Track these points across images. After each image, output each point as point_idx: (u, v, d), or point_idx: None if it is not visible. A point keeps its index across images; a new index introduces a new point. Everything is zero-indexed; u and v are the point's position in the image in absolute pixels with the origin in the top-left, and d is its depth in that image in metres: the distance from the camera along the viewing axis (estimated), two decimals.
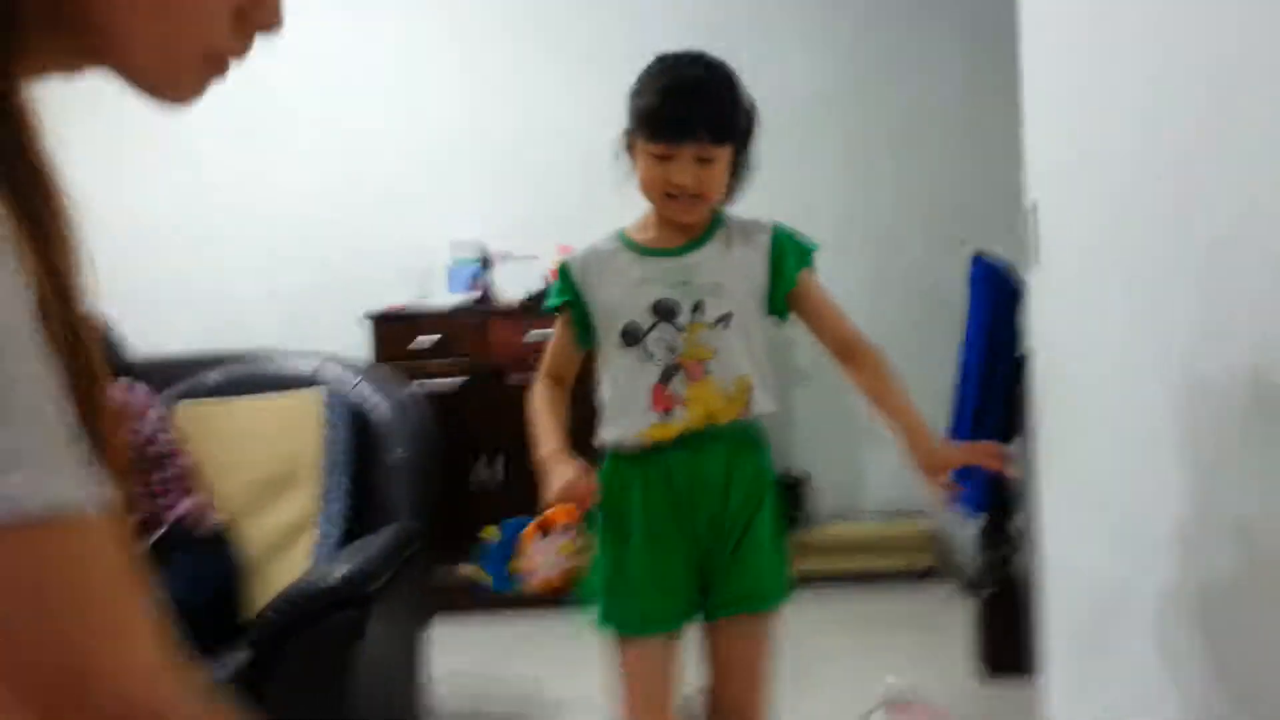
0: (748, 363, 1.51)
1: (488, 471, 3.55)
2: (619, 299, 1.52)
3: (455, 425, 3.37)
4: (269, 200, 4.05)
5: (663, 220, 1.55)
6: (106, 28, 0.53)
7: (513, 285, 3.73)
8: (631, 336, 1.50)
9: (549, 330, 3.48)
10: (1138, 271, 1.54)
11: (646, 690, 1.51)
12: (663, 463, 1.50)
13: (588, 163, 3.92)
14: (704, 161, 1.45)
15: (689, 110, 1.45)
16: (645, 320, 1.49)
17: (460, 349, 3.59)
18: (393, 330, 3.60)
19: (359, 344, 3.51)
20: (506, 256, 3.80)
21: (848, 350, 1.58)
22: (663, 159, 1.46)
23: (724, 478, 1.51)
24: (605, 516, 1.53)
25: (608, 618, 1.53)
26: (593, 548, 1.48)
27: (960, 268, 2.93)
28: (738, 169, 1.54)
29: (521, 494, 3.55)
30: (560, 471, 1.45)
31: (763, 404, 1.53)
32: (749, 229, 1.57)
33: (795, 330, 4.25)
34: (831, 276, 4.38)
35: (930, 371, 3.63)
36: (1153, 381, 1.48)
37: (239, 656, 1.85)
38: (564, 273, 1.58)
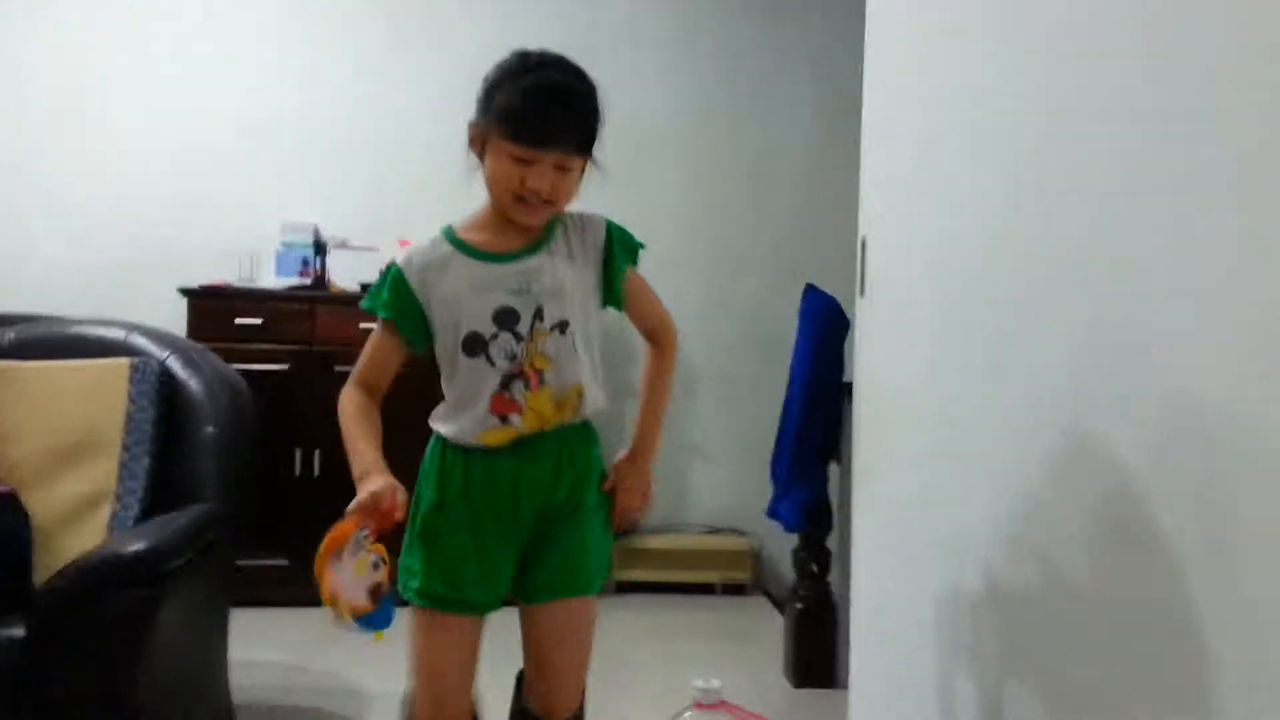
0: (583, 370, 1.51)
1: (305, 463, 3.41)
2: (459, 307, 1.48)
3: (277, 414, 3.23)
4: (88, 165, 3.78)
5: (500, 220, 1.51)
6: None
7: (347, 274, 3.60)
8: (473, 346, 1.47)
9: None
10: (950, 307, 1.64)
11: (440, 669, 1.49)
12: (491, 463, 1.49)
13: (432, 157, 3.90)
14: (562, 170, 1.44)
15: (557, 118, 1.42)
16: (487, 329, 1.47)
17: (285, 335, 3.44)
18: (211, 307, 3.42)
19: (173, 322, 3.29)
20: (342, 244, 3.67)
21: (656, 329, 1.65)
22: (521, 161, 1.42)
23: (551, 475, 1.51)
24: (427, 497, 1.51)
25: (415, 592, 1.50)
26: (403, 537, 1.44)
27: (796, 300, 3.04)
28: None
29: (337, 489, 3.46)
30: (370, 483, 1.41)
31: (594, 403, 1.54)
32: (582, 224, 1.56)
33: (630, 345, 4.32)
34: (673, 295, 4.47)
35: (759, 396, 3.78)
36: (960, 409, 1.58)
37: (14, 631, 1.69)
38: (398, 279, 1.50)
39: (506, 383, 1.47)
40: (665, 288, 4.27)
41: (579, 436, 1.55)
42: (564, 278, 1.50)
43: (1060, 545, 1.28)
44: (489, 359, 1.46)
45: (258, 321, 3.41)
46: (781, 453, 2.90)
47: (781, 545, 3.72)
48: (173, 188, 3.80)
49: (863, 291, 2.01)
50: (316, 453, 3.41)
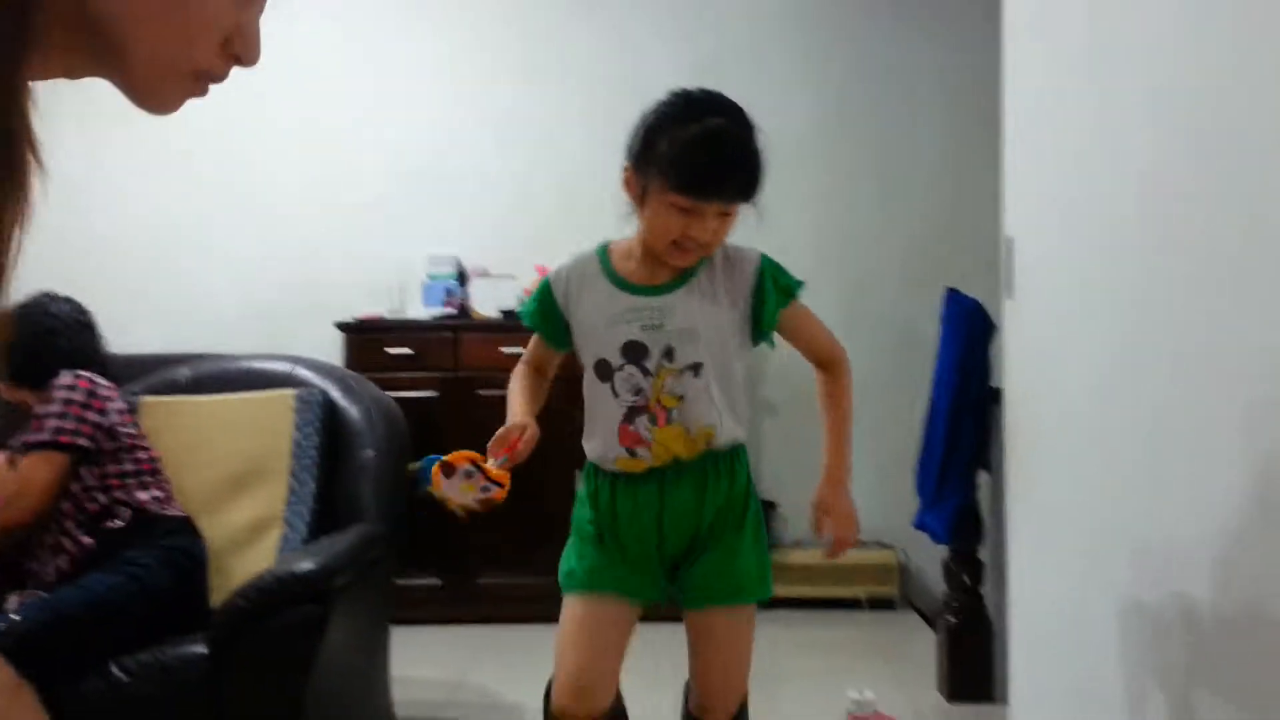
0: (716, 411, 1.51)
1: None
2: (593, 331, 1.51)
3: (427, 438, 3.35)
4: (246, 209, 4.03)
5: (651, 255, 1.51)
6: (114, 36, 0.62)
7: (488, 302, 3.72)
8: (602, 371, 1.51)
9: (521, 349, 3.54)
10: (1110, 307, 1.57)
11: (583, 643, 1.52)
12: (633, 490, 1.52)
13: (567, 185, 4.01)
14: (723, 216, 1.44)
15: (724, 170, 1.41)
16: (615, 359, 1.49)
17: (433, 362, 3.58)
18: (364, 341, 3.58)
19: (331, 354, 3.48)
20: (483, 273, 3.80)
21: (823, 359, 1.63)
22: (685, 211, 1.41)
23: (695, 503, 1.52)
24: (582, 514, 1.57)
25: (568, 577, 1.56)
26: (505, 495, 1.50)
27: (934, 309, 2.97)
28: None
29: (483, 514, 3.57)
30: (510, 420, 1.50)
31: (729, 439, 1.54)
32: (734, 259, 1.54)
33: (763, 364, 4.30)
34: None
35: (901, 411, 3.69)
36: (1120, 416, 1.51)
37: (199, 647, 1.81)
38: (546, 291, 1.57)
39: (631, 416, 1.49)
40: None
41: (724, 462, 1.55)
42: (698, 319, 1.49)
43: (1253, 555, 1.20)
44: (613, 389, 1.49)
45: (408, 351, 3.56)
46: (928, 462, 2.83)
47: (930, 558, 3.62)
48: (326, 230, 4.01)
49: (1010, 293, 1.95)
50: None
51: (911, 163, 4.04)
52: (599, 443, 1.53)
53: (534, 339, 1.65)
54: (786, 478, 3.93)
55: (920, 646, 3.20)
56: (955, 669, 2.78)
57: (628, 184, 1.50)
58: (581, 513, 1.58)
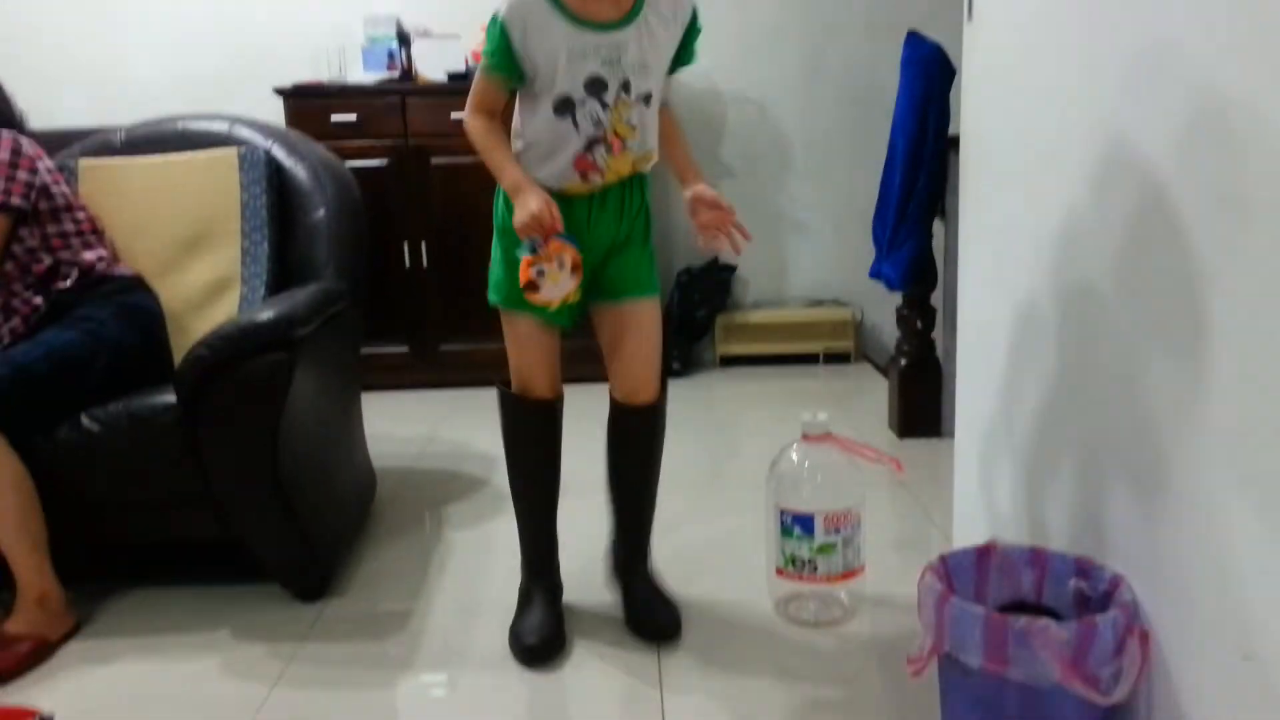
0: (653, 136, 1.66)
1: (414, 255, 3.50)
2: (554, 68, 1.56)
3: (380, 209, 3.30)
4: None
5: None
6: None
7: (433, 64, 3.56)
8: (563, 107, 1.58)
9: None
10: (1073, 36, 1.52)
11: (539, 364, 1.74)
12: (567, 206, 1.64)
13: None
14: None
15: None
16: (577, 94, 1.57)
17: (379, 129, 3.46)
18: (305, 108, 3.44)
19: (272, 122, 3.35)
20: (425, 33, 3.61)
21: (667, 96, 1.73)
22: None
23: (616, 217, 1.70)
24: (505, 233, 1.70)
25: (501, 295, 1.73)
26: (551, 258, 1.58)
27: (894, 60, 2.89)
28: None
29: (448, 277, 3.57)
30: (525, 201, 1.57)
31: (655, 160, 1.71)
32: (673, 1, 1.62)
33: (724, 129, 4.23)
34: (765, 62, 4.34)
35: (863, 167, 3.67)
36: (1079, 159, 1.49)
37: (168, 398, 1.84)
38: (502, 32, 1.56)
39: (590, 146, 1.60)
40: (759, 55, 4.16)
41: (638, 183, 1.72)
42: (648, 52, 1.59)
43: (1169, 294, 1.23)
44: (575, 122, 1.59)
45: (351, 118, 3.44)
46: (884, 212, 2.85)
47: (884, 313, 3.72)
48: None
49: (970, 15, 1.89)
50: (423, 244, 3.49)
51: None
52: (552, 170, 1.63)
53: (481, 83, 1.63)
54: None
55: (874, 394, 3.34)
56: (905, 408, 2.91)
57: None
58: (501, 233, 1.71)
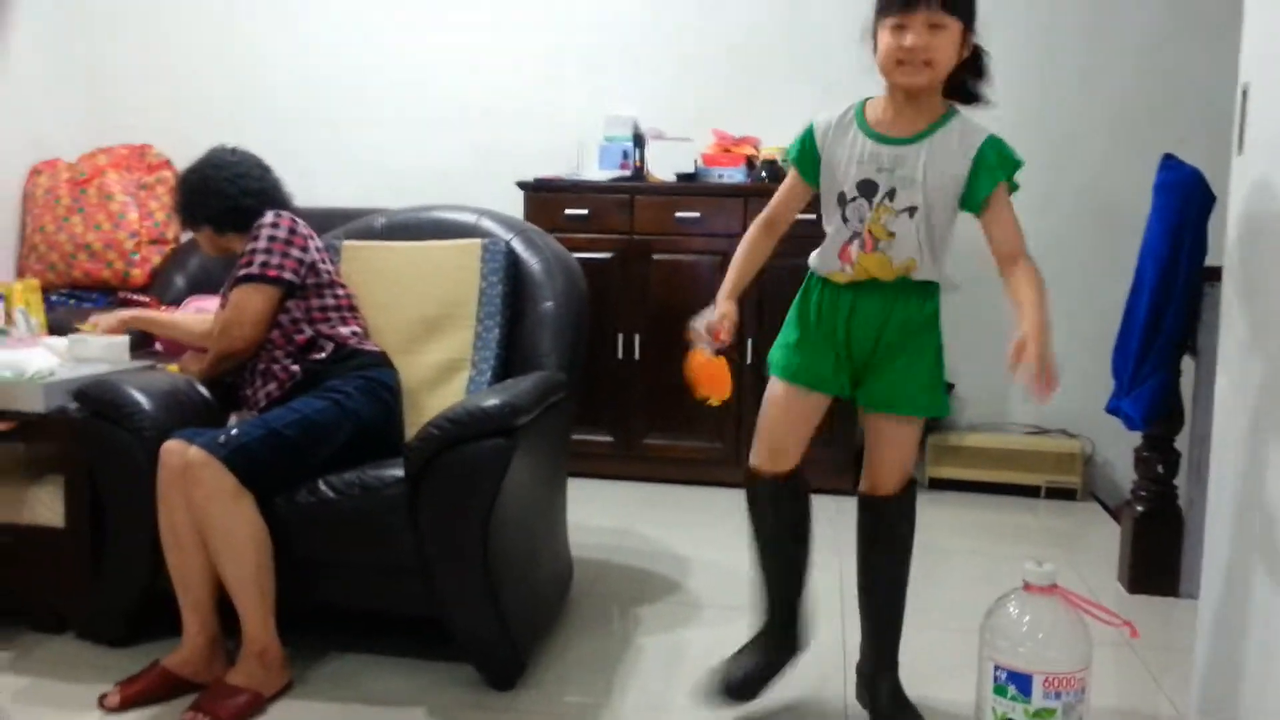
0: (919, 249, 1.75)
1: (627, 347, 3.59)
2: (839, 167, 1.77)
3: (600, 300, 3.41)
4: (426, 73, 4.11)
5: (898, 104, 1.73)
6: None
7: (663, 164, 3.69)
8: (839, 201, 1.78)
9: (695, 213, 3.50)
10: None
11: (777, 418, 1.87)
12: (836, 291, 1.82)
13: (739, 47, 3.87)
14: (934, 28, 1.63)
15: None
16: (850, 192, 1.76)
17: (608, 224, 3.60)
18: (543, 200, 3.63)
19: (511, 213, 3.56)
20: (659, 135, 3.76)
21: (1010, 259, 1.74)
22: (897, 29, 1.64)
23: (880, 313, 1.79)
24: (796, 308, 1.87)
25: (773, 363, 1.89)
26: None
27: (1144, 178, 2.73)
28: (973, 60, 1.74)
29: (656, 370, 3.62)
30: (717, 307, 1.79)
31: (926, 274, 1.79)
32: (966, 129, 1.73)
33: (945, 237, 4.10)
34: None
35: (1100, 293, 3.47)
36: None
37: (397, 471, 1.95)
38: (807, 130, 1.81)
39: (851, 239, 1.77)
40: None
41: (915, 288, 1.80)
42: (925, 170, 1.71)
43: None
44: (844, 216, 1.78)
45: (583, 212, 3.59)
46: (1127, 343, 2.66)
47: (1118, 450, 3.45)
48: (505, 92, 4.06)
49: (1240, 149, 1.76)
50: (636, 337, 3.57)
51: (1119, 22, 3.68)
52: (823, 254, 1.82)
53: (784, 184, 1.87)
54: (964, 359, 3.79)
55: (1100, 539, 3.08)
56: (1138, 559, 2.66)
57: (870, 35, 1.72)
58: (794, 307, 1.88)
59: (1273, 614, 1.55)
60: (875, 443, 1.86)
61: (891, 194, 1.72)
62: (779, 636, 1.95)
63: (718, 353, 1.77)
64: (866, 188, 1.74)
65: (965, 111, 1.76)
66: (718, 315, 1.77)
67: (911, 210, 1.72)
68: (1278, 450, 1.59)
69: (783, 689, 1.95)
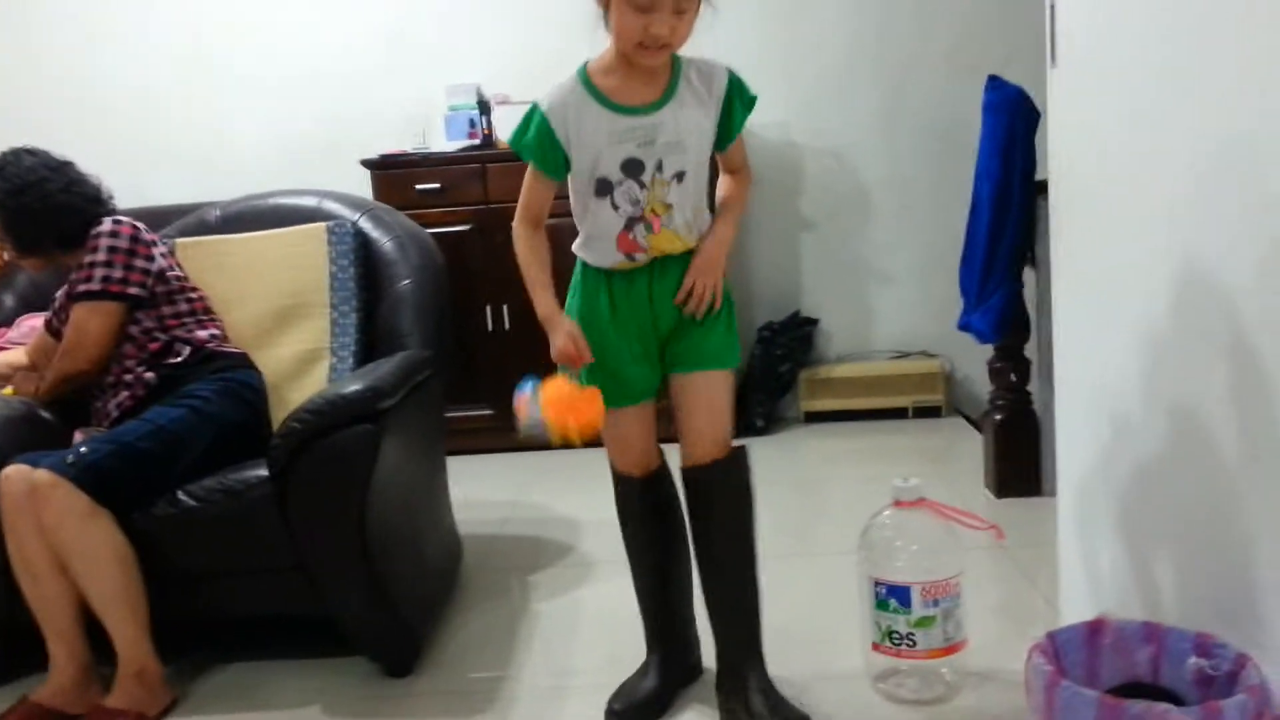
0: (688, 211, 1.66)
1: (496, 318, 3.54)
2: (593, 153, 1.61)
3: (463, 273, 3.35)
4: (262, 55, 3.93)
5: (628, 64, 1.60)
6: None
7: (512, 130, 3.62)
8: (603, 188, 1.63)
9: None
10: (1158, 73, 1.47)
11: (625, 442, 1.78)
12: (627, 281, 1.70)
13: (582, 5, 3.81)
14: (679, 13, 1.52)
15: None
16: (615, 176, 1.61)
17: (462, 195, 3.53)
18: (391, 177, 3.54)
19: (361, 194, 3.44)
20: (505, 100, 3.69)
21: (737, 165, 1.76)
22: (642, 10, 1.51)
23: (677, 285, 1.69)
24: (580, 314, 1.72)
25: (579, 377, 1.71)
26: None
27: (979, 101, 2.83)
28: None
29: (527, 339, 3.59)
30: (554, 337, 1.66)
31: (705, 228, 1.71)
32: (706, 74, 1.65)
33: (802, 180, 4.21)
34: (839, 109, 4.30)
35: (946, 216, 3.60)
36: (1166, 198, 1.43)
37: (261, 471, 1.88)
38: (537, 118, 1.63)
39: (630, 226, 1.64)
40: (832, 103, 4.12)
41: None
42: (682, 132, 1.62)
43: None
44: (613, 203, 1.63)
45: (435, 185, 3.52)
46: (971, 261, 2.77)
47: (975, 363, 3.61)
48: (343, 68, 3.92)
49: (1054, 61, 1.84)
50: (505, 307, 3.53)
51: None
52: (598, 251, 1.69)
53: (529, 182, 1.68)
54: (826, 294, 3.90)
55: (967, 449, 3.23)
56: (1002, 465, 2.81)
57: None
58: (579, 308, 1.73)
59: (1124, 503, 1.66)
60: (689, 406, 1.71)
61: (660, 165, 1.61)
62: (663, 650, 1.84)
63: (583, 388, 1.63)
64: (632, 167, 1.61)
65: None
66: (566, 337, 1.64)
67: (680, 175, 1.63)
68: (1113, 348, 1.69)
69: None
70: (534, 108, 1.63)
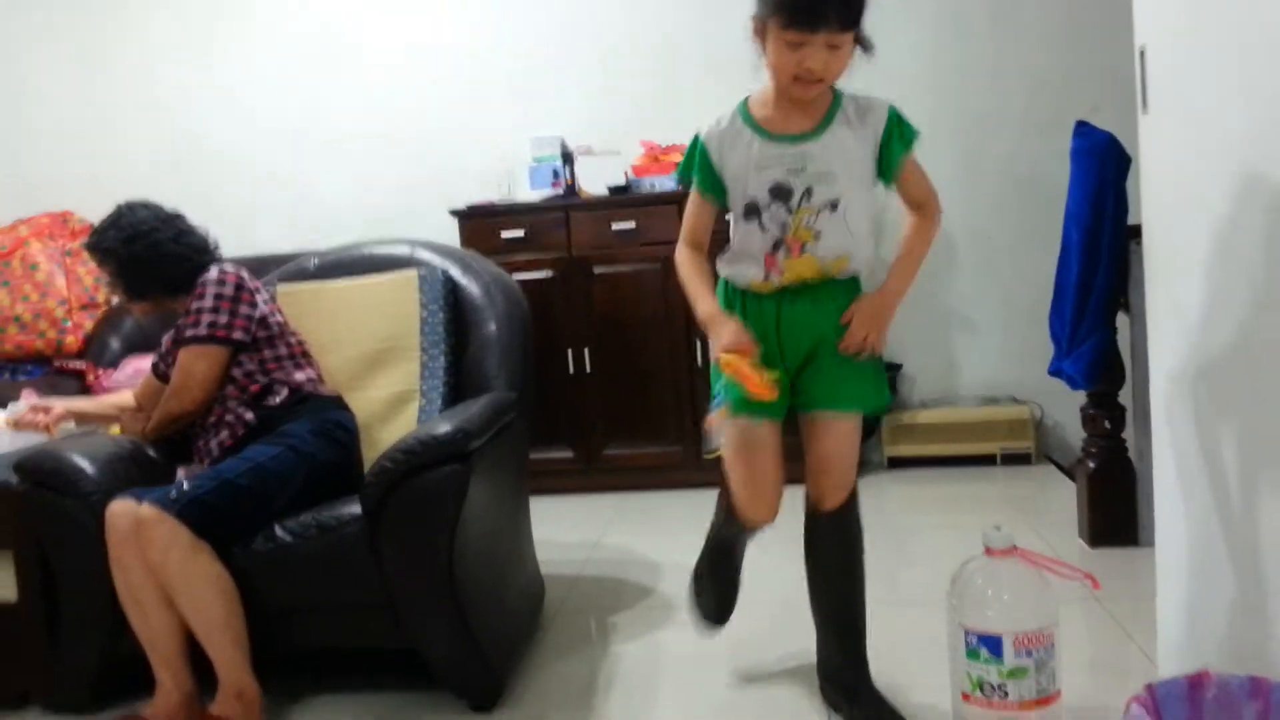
0: (851, 242, 1.73)
1: (577, 362, 3.59)
2: (744, 178, 1.71)
3: (546, 319, 3.42)
4: (353, 109, 4.10)
5: (784, 99, 1.68)
6: None
7: (594, 179, 3.71)
8: (752, 211, 1.72)
9: (630, 224, 3.51)
10: (1252, 118, 1.44)
11: (757, 475, 1.80)
12: (759, 303, 1.77)
13: (661, 55, 3.91)
14: (833, 48, 1.59)
15: (824, 1, 1.55)
16: (764, 199, 1.70)
17: (545, 243, 3.61)
18: (478, 226, 3.64)
19: (447, 242, 3.55)
20: (587, 151, 3.78)
21: (921, 199, 1.79)
22: (795, 45, 1.58)
23: (810, 315, 1.75)
24: None
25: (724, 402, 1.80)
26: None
27: (1059, 151, 2.80)
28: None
29: (608, 383, 3.63)
30: (724, 328, 1.70)
31: (859, 267, 1.78)
32: (865, 109, 1.71)
33: (884, 228, 4.24)
34: (922, 160, 4.31)
35: (1030, 263, 3.55)
36: (1263, 246, 1.40)
37: (354, 509, 1.93)
38: (698, 145, 1.75)
39: (774, 248, 1.72)
40: (916, 153, 4.05)
41: (841, 285, 1.78)
42: (834, 162, 1.68)
43: None
44: (761, 225, 1.72)
45: (519, 233, 3.60)
46: (1061, 307, 2.72)
47: (1065, 410, 3.53)
48: (432, 124, 4.06)
49: (1145, 107, 1.81)
50: (585, 351, 3.58)
51: None
52: (741, 269, 1.76)
53: (692, 207, 1.80)
54: (910, 338, 3.86)
55: (1058, 498, 3.14)
56: (1096, 514, 2.72)
57: (755, 32, 1.65)
58: None
59: (1226, 552, 1.60)
60: (817, 447, 1.78)
61: (809, 193, 1.68)
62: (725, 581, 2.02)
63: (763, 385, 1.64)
64: (780, 192, 1.69)
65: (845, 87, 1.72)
66: (732, 334, 1.67)
67: (834, 204, 1.69)
68: (1208, 393, 1.64)
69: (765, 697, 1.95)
70: (696, 138, 1.76)
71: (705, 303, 1.74)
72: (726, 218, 1.79)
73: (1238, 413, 1.53)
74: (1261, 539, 1.47)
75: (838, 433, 1.77)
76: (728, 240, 1.78)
